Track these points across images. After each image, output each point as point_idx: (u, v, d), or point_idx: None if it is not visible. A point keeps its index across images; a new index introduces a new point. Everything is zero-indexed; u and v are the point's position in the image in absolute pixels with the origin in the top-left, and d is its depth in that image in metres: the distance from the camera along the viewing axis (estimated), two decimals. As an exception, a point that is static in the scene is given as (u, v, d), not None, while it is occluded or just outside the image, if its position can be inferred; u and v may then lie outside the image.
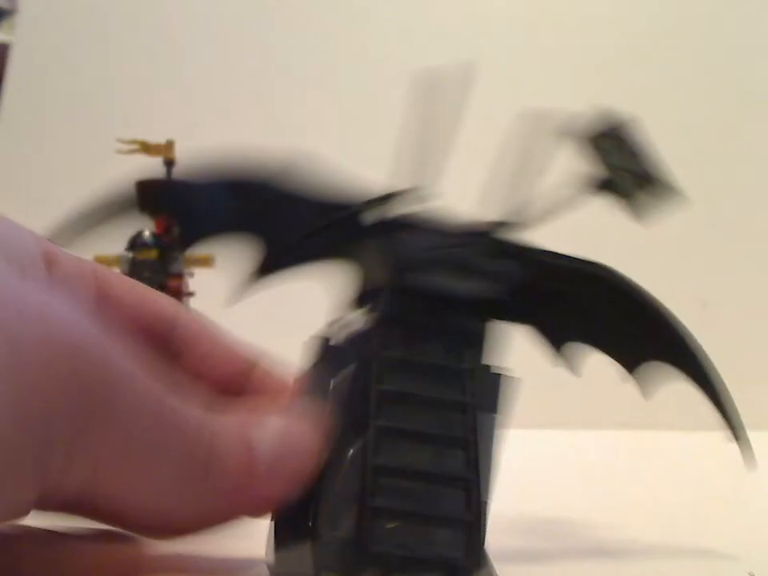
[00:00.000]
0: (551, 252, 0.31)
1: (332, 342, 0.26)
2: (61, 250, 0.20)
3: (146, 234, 0.57)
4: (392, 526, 0.22)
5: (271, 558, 0.24)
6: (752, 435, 0.68)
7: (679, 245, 0.83)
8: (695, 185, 0.92)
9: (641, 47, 0.88)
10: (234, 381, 0.24)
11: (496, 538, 0.24)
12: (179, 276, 0.56)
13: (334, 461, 0.24)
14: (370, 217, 0.28)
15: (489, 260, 0.27)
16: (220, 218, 0.28)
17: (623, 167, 0.30)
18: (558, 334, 0.33)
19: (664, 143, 0.92)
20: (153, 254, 0.56)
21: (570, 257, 0.31)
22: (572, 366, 0.34)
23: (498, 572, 0.24)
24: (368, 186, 0.29)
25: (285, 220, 0.28)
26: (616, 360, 0.35)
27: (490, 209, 0.29)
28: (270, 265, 0.28)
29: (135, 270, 0.53)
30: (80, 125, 0.95)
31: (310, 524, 0.23)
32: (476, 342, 0.26)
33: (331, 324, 0.27)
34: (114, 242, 0.54)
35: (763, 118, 0.86)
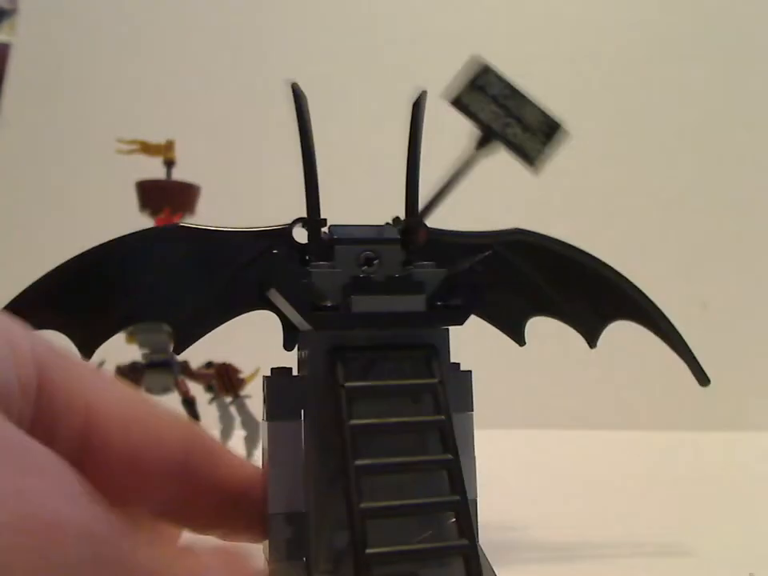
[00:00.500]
0: (466, 232, 0.30)
1: (293, 375, 0.25)
2: (55, 370, 0.17)
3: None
4: (388, 569, 0.21)
5: None
6: (749, 435, 0.69)
7: (680, 248, 0.83)
8: (696, 190, 0.92)
9: (640, 48, 0.88)
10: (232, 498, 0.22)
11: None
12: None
13: (321, 502, 0.23)
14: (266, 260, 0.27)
15: (405, 270, 0.26)
16: (113, 319, 0.26)
17: (495, 113, 0.27)
18: (515, 314, 0.33)
19: (664, 147, 0.91)
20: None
21: (489, 232, 0.31)
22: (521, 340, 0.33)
23: None
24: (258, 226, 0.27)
25: (180, 301, 0.27)
26: (575, 326, 0.34)
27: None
28: (183, 342, 0.27)
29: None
30: (80, 124, 0.95)
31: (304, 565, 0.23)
32: (441, 350, 0.25)
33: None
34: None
35: (764, 122, 0.86)
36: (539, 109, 0.28)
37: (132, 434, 0.18)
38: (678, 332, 0.33)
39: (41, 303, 0.25)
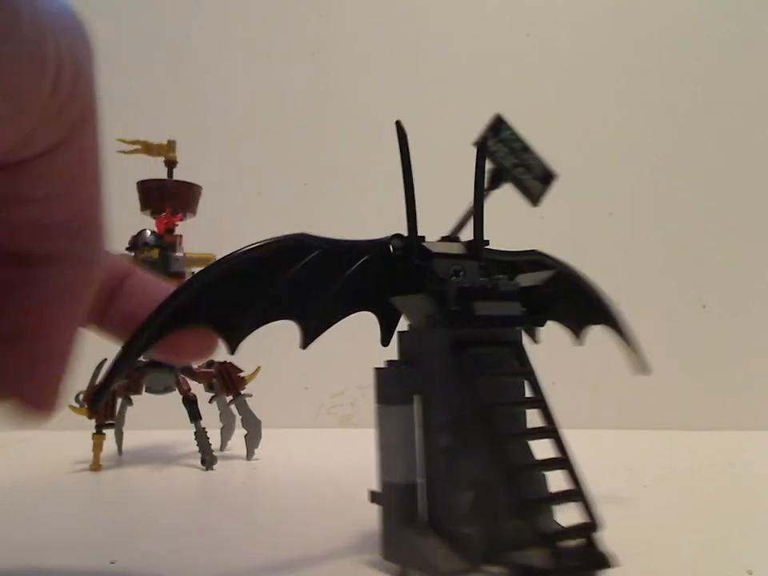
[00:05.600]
0: (501, 251, 0.35)
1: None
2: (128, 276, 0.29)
3: (148, 233, 0.57)
4: (526, 511, 0.25)
5: (393, 555, 0.29)
6: (745, 435, 0.68)
7: (680, 250, 0.83)
8: (695, 192, 0.92)
9: (640, 49, 0.88)
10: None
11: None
12: (180, 275, 0.56)
13: (440, 468, 0.28)
14: (374, 268, 0.31)
15: (495, 281, 0.30)
16: (253, 318, 0.30)
17: (507, 159, 0.34)
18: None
19: (663, 149, 0.91)
20: (154, 254, 0.56)
21: (515, 251, 0.36)
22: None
23: None
24: (364, 238, 0.31)
25: (306, 302, 0.31)
26: (567, 327, 0.40)
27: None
28: (308, 338, 0.31)
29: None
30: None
31: (425, 520, 0.28)
32: (524, 348, 0.31)
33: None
34: (115, 241, 0.54)
35: (763, 123, 0.86)
36: (539, 158, 0.35)
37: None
38: (632, 332, 0.40)
39: (193, 302, 0.27)
